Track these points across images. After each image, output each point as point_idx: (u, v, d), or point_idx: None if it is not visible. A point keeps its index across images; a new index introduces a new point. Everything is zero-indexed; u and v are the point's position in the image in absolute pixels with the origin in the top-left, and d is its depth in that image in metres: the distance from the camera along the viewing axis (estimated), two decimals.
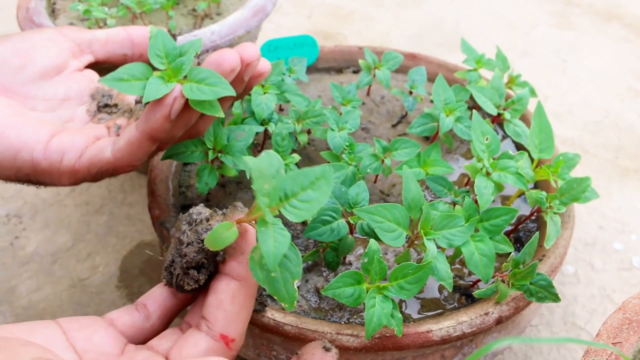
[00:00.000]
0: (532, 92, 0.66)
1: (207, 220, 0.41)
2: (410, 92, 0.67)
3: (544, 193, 0.54)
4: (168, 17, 0.73)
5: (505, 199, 0.63)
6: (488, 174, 0.53)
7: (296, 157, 0.58)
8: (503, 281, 0.50)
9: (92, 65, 0.53)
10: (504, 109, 0.63)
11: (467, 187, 0.60)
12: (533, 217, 0.60)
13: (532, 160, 0.56)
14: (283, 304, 0.38)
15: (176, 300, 0.43)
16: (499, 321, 0.50)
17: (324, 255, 0.52)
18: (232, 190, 0.61)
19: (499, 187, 0.54)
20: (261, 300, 0.49)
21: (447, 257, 0.50)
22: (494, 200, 0.61)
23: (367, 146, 0.59)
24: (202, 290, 0.42)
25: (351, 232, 0.51)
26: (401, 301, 0.53)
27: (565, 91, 1.02)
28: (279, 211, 0.37)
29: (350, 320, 0.52)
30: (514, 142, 0.69)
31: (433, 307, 0.54)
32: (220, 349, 0.39)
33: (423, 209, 0.48)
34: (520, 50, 1.11)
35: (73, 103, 0.51)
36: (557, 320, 0.70)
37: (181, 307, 0.43)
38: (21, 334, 0.37)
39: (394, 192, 0.62)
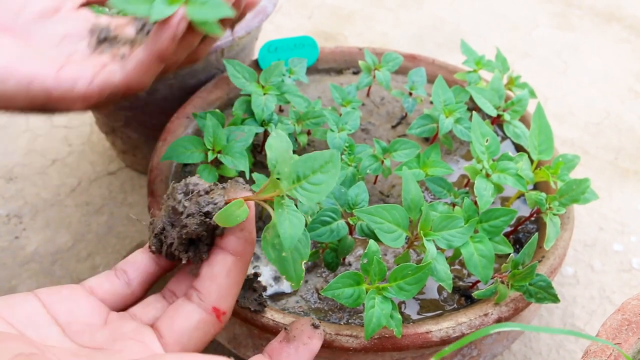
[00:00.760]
0: (532, 94, 0.66)
1: (207, 192, 0.40)
2: (410, 93, 0.67)
3: (543, 194, 0.54)
4: None
5: (504, 200, 0.63)
6: (488, 175, 0.53)
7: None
8: (502, 282, 0.50)
9: (84, 4, 0.56)
10: (504, 110, 0.63)
11: (467, 188, 0.60)
12: (532, 218, 0.60)
13: (531, 161, 0.56)
14: (290, 282, 0.39)
15: (157, 266, 0.43)
16: (499, 322, 0.50)
17: (324, 256, 0.52)
18: None
19: (498, 188, 0.54)
20: (260, 301, 0.49)
21: (446, 258, 0.50)
22: (493, 202, 0.61)
23: (367, 147, 0.59)
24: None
25: (351, 233, 0.51)
26: (401, 302, 0.53)
27: (565, 92, 1.02)
28: (290, 193, 0.38)
29: (350, 321, 0.52)
30: (513, 143, 0.69)
31: (432, 308, 0.54)
32: (212, 322, 0.39)
33: (422, 210, 0.48)
34: (521, 51, 1.11)
35: (73, 39, 0.53)
36: (556, 322, 0.70)
37: (162, 274, 0.43)
38: (1, 311, 0.37)
39: (393, 193, 0.62)
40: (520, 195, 0.60)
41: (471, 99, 0.64)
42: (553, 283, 0.49)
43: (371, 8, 1.21)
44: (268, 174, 0.58)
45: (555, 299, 0.49)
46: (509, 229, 0.60)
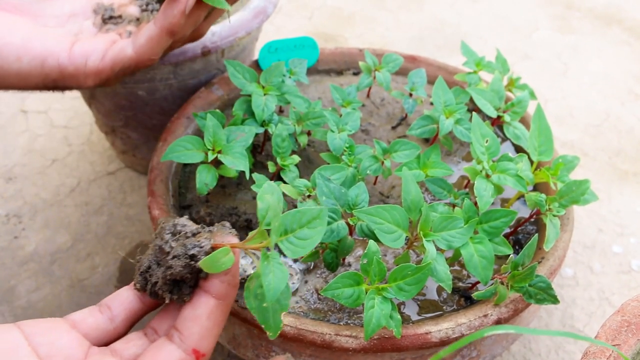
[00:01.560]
0: (532, 95, 0.66)
1: (194, 235, 0.41)
2: (410, 94, 0.67)
3: (543, 195, 0.54)
4: None
5: (504, 202, 0.63)
6: (488, 176, 0.53)
7: (296, 158, 0.58)
8: (502, 283, 0.50)
9: None
10: (504, 112, 0.63)
11: (467, 189, 0.60)
12: (532, 220, 0.60)
13: (531, 162, 0.56)
14: (268, 332, 0.40)
15: (142, 304, 0.43)
16: (498, 323, 0.50)
17: (323, 256, 0.52)
18: (231, 191, 0.61)
19: (498, 189, 0.54)
20: None
21: (446, 259, 0.50)
22: (493, 203, 0.61)
23: (367, 148, 0.59)
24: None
25: (350, 233, 0.51)
26: (400, 303, 0.53)
27: (565, 94, 1.02)
28: (277, 245, 0.39)
29: (349, 322, 0.52)
30: (513, 144, 0.69)
31: (432, 309, 0.54)
32: None
33: (422, 211, 0.48)
34: (521, 53, 1.11)
35: (79, 18, 0.56)
36: (555, 323, 0.70)
37: (146, 312, 0.43)
38: None
39: (393, 193, 0.62)
40: (520, 197, 0.60)
41: (471, 100, 0.64)
42: (552, 284, 0.49)
43: (372, 9, 1.22)
44: (268, 175, 0.58)
45: (555, 300, 0.49)
46: (508, 230, 0.60)
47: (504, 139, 0.69)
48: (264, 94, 0.60)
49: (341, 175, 0.55)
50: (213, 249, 0.40)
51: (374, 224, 0.47)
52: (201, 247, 0.39)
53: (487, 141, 0.54)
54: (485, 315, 0.50)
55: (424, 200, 0.49)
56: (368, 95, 0.72)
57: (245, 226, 0.59)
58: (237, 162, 0.54)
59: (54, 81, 0.50)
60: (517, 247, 0.59)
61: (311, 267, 0.56)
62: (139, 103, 0.72)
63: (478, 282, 0.54)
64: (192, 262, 0.39)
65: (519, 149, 0.68)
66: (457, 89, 0.64)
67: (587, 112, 0.99)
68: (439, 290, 0.55)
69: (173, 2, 0.49)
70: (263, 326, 0.39)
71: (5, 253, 0.76)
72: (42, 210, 0.81)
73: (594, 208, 0.82)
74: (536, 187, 0.62)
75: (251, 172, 0.56)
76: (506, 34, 1.15)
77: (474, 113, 0.56)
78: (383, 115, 0.70)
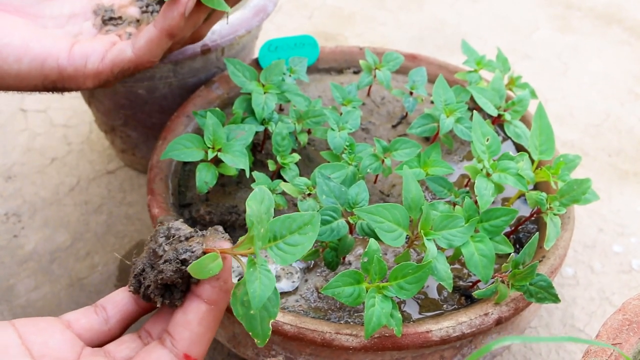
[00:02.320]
0: (533, 94, 0.66)
1: (187, 239, 0.40)
2: (411, 93, 0.66)
3: (544, 194, 0.54)
4: None
5: (505, 201, 0.62)
6: (488, 174, 0.53)
7: (296, 156, 0.58)
8: (503, 282, 0.50)
9: None
10: (505, 110, 0.63)
11: (467, 188, 0.60)
12: (533, 218, 0.60)
13: (532, 161, 0.56)
14: (256, 340, 0.39)
15: (137, 306, 0.43)
16: (499, 322, 0.50)
17: (324, 254, 0.52)
18: (231, 189, 0.61)
19: (499, 188, 0.53)
20: None
21: (447, 258, 0.49)
22: (494, 201, 0.61)
23: (367, 146, 0.59)
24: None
25: (351, 232, 0.51)
26: (401, 301, 0.53)
27: (566, 94, 1.02)
28: (266, 252, 0.38)
29: (349, 320, 0.52)
30: (514, 144, 0.68)
31: (433, 308, 0.53)
32: None
33: (423, 209, 0.48)
34: (522, 53, 1.11)
35: (79, 19, 0.55)
36: (556, 322, 0.70)
37: (141, 314, 0.43)
38: None
39: (393, 192, 0.62)
40: (521, 195, 0.60)
41: (472, 98, 0.64)
42: (553, 283, 0.49)
43: (372, 9, 1.21)
44: (268, 173, 0.58)
45: (555, 299, 0.49)
46: (509, 229, 0.59)
47: (505, 137, 0.69)
48: (264, 93, 0.60)
49: (341, 174, 0.55)
50: (205, 253, 0.39)
51: (374, 222, 0.47)
52: (193, 252, 0.39)
53: (487, 140, 0.54)
54: (486, 314, 0.50)
55: (424, 198, 0.49)
56: (368, 94, 0.71)
57: (245, 224, 0.59)
58: (237, 161, 0.54)
59: (54, 82, 0.50)
60: (517, 246, 0.58)
61: (311, 266, 0.56)
62: (138, 102, 0.72)
63: (479, 281, 0.54)
64: (183, 267, 0.39)
65: (519, 148, 0.68)
66: (457, 88, 0.64)
67: (587, 111, 0.99)
68: (440, 289, 0.55)
69: (172, 4, 0.48)
70: (250, 333, 0.39)
71: (4, 252, 0.76)
72: (41, 209, 0.81)
73: (595, 208, 0.82)
74: (537, 186, 0.62)
75: (251, 170, 0.56)
76: (506, 34, 1.15)
77: (474, 112, 0.56)
78: (383, 114, 0.70)
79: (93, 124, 0.92)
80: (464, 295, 0.54)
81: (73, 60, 0.50)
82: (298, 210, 0.54)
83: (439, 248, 0.49)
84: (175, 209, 0.58)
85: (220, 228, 0.41)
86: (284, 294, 0.53)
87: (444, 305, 0.53)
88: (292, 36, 0.70)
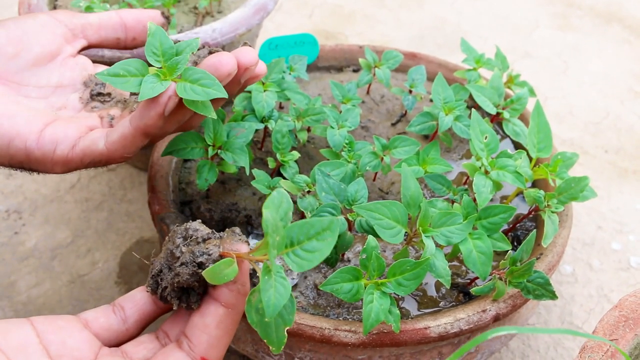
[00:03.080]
0: (531, 92, 0.66)
1: (204, 241, 0.40)
2: (410, 91, 0.67)
3: (542, 192, 0.54)
4: (169, 14, 0.73)
5: (504, 199, 0.63)
6: (487, 172, 0.54)
7: (296, 154, 0.58)
8: (500, 279, 0.50)
9: (84, 49, 0.54)
10: (503, 108, 0.63)
11: (466, 185, 0.60)
12: (531, 216, 0.60)
13: (530, 159, 0.56)
14: (271, 347, 0.38)
15: (155, 307, 0.42)
16: (496, 318, 0.50)
17: None
18: (231, 187, 0.61)
19: (497, 185, 0.54)
20: None
21: (445, 255, 0.50)
22: (492, 199, 0.61)
23: (367, 144, 0.59)
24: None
25: (350, 229, 0.51)
26: (399, 299, 0.54)
27: (566, 92, 1.02)
28: (282, 258, 0.37)
29: (348, 317, 0.52)
30: (512, 142, 0.69)
31: (431, 305, 0.54)
32: None
33: (422, 207, 0.48)
34: (522, 51, 1.11)
35: (66, 90, 0.52)
36: (554, 320, 0.70)
37: (159, 314, 0.43)
38: None
39: (392, 190, 0.62)
40: (519, 193, 0.60)
41: (471, 97, 0.64)
42: (551, 281, 0.50)
43: (372, 8, 1.22)
44: (268, 171, 0.58)
45: (553, 295, 0.49)
46: (507, 227, 0.60)
47: (504, 136, 0.69)
48: (264, 90, 0.61)
49: (341, 171, 0.55)
50: (221, 256, 0.39)
51: (373, 219, 0.47)
52: (209, 255, 0.39)
53: (486, 137, 0.54)
54: (483, 311, 0.50)
55: (423, 196, 0.49)
56: (368, 92, 0.72)
57: (245, 222, 0.59)
58: (237, 158, 0.55)
59: (20, 163, 0.47)
60: (515, 244, 0.59)
61: None
62: None
63: (477, 278, 0.55)
64: (200, 270, 0.39)
65: (518, 147, 0.68)
66: (456, 86, 0.64)
67: (587, 110, 0.99)
68: (438, 286, 0.55)
69: (151, 102, 0.44)
70: (265, 340, 0.38)
71: (5, 249, 0.76)
72: (42, 206, 0.82)
73: (594, 205, 0.83)
74: (535, 184, 0.62)
75: (251, 168, 0.56)
76: (506, 33, 1.15)
77: (473, 110, 0.56)
78: (383, 112, 0.70)
79: None
80: (462, 293, 0.55)
81: (42, 144, 0.46)
82: (297, 207, 0.55)
83: (437, 245, 0.49)
84: (175, 206, 0.58)
85: (237, 230, 0.41)
86: None
87: (442, 302, 0.54)
88: (292, 34, 0.70)
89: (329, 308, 0.53)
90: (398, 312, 0.47)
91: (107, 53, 0.63)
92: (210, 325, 0.39)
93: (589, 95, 1.02)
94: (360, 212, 0.47)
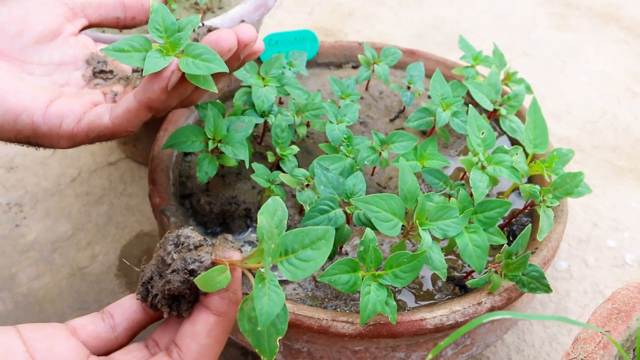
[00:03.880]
0: (528, 89, 0.67)
1: (196, 248, 0.39)
2: (408, 87, 0.67)
3: (537, 187, 0.55)
4: (171, 10, 0.74)
5: (500, 194, 0.63)
6: (483, 167, 0.54)
7: (295, 148, 0.59)
8: (496, 272, 0.51)
9: (85, 28, 0.55)
10: (500, 105, 0.64)
11: (463, 180, 0.61)
12: (527, 211, 0.61)
13: (526, 155, 0.57)
14: (262, 357, 0.38)
15: (145, 315, 0.42)
16: (491, 311, 0.51)
17: None
18: (231, 180, 0.62)
19: (493, 180, 0.54)
20: None
21: (441, 249, 0.50)
22: (489, 195, 0.62)
23: (365, 139, 0.60)
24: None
25: (348, 222, 0.52)
26: (396, 291, 0.54)
27: (563, 91, 1.03)
28: (277, 266, 0.37)
29: (345, 309, 0.53)
30: (509, 138, 0.69)
31: (428, 298, 0.54)
32: None
33: (418, 200, 0.49)
34: (520, 50, 1.12)
35: (69, 68, 0.53)
36: (549, 314, 0.71)
37: (149, 322, 0.42)
38: None
39: (390, 184, 0.63)
40: (515, 189, 0.61)
41: (468, 93, 0.65)
42: (547, 276, 0.50)
43: (372, 6, 1.22)
44: (267, 165, 0.59)
45: (547, 288, 0.50)
46: (503, 222, 0.60)
47: (501, 132, 0.70)
48: (264, 86, 0.61)
49: (339, 165, 0.56)
50: (213, 264, 0.38)
51: (370, 212, 0.48)
52: (201, 262, 0.38)
53: (482, 133, 0.55)
54: (479, 303, 0.51)
55: (420, 190, 0.50)
56: (367, 88, 0.72)
57: (244, 215, 0.60)
58: (237, 152, 0.55)
59: (27, 137, 0.48)
60: (511, 239, 0.59)
61: None
62: None
63: (473, 271, 0.55)
64: (191, 278, 0.38)
65: (514, 143, 0.69)
66: (454, 83, 0.65)
67: (585, 109, 1.00)
68: (435, 279, 0.56)
69: (155, 77, 0.45)
70: (257, 350, 0.38)
71: (6, 241, 0.77)
72: (43, 200, 0.82)
73: (590, 203, 0.83)
74: (531, 179, 0.63)
75: (251, 161, 0.57)
76: (505, 32, 1.16)
77: (470, 106, 0.57)
78: (381, 108, 0.71)
79: None
80: (458, 286, 0.55)
81: (48, 119, 0.47)
82: (296, 200, 0.55)
83: (433, 238, 0.50)
84: (175, 199, 0.59)
85: (230, 237, 0.40)
86: (282, 282, 0.55)
87: (439, 295, 0.55)
88: (292, 31, 0.71)
89: (326, 300, 0.53)
90: (394, 303, 0.48)
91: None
92: (200, 333, 0.38)
93: (586, 94, 1.02)
94: (358, 204, 0.48)
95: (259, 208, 0.59)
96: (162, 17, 0.47)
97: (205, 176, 0.56)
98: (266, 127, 0.65)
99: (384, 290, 0.47)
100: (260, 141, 0.65)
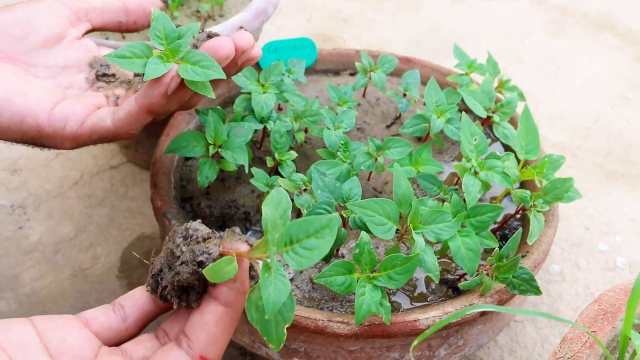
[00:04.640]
0: (521, 96, 0.68)
1: (204, 240, 0.40)
2: (404, 95, 0.69)
3: (528, 192, 0.56)
4: (172, 17, 0.75)
5: (493, 199, 0.65)
6: (476, 173, 0.56)
7: (293, 154, 0.60)
8: (488, 274, 0.52)
9: (88, 32, 0.57)
10: (494, 112, 0.65)
11: (456, 185, 0.63)
12: (518, 216, 0.62)
13: (518, 161, 0.58)
14: (270, 345, 0.39)
15: (155, 306, 0.43)
16: (484, 313, 0.53)
17: None
18: (231, 184, 0.64)
19: (486, 185, 0.56)
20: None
21: (435, 252, 0.52)
22: (482, 200, 0.64)
23: (362, 145, 0.61)
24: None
25: (344, 226, 0.53)
26: (391, 293, 0.56)
27: (557, 97, 1.05)
28: (281, 255, 0.38)
29: (341, 310, 0.54)
30: (503, 145, 0.71)
31: (421, 300, 0.56)
32: None
33: (412, 204, 0.50)
34: (515, 56, 1.13)
35: (72, 71, 0.54)
36: (542, 318, 0.72)
37: (159, 313, 0.43)
38: None
39: (386, 189, 0.64)
40: (508, 194, 0.62)
41: (463, 100, 0.67)
42: (538, 279, 0.52)
43: (370, 12, 1.24)
44: (266, 170, 0.60)
45: (537, 291, 0.52)
46: (495, 226, 0.62)
47: (494, 139, 0.71)
48: (264, 92, 0.63)
49: (336, 171, 0.57)
50: (221, 255, 0.39)
51: (366, 216, 0.49)
52: (209, 254, 0.39)
53: (475, 139, 0.57)
54: (471, 305, 0.52)
55: (414, 195, 0.51)
56: (364, 95, 0.74)
57: (243, 218, 0.62)
58: (237, 157, 0.57)
59: (32, 139, 0.49)
60: (503, 242, 0.61)
61: None
62: None
63: (465, 274, 0.57)
64: (200, 269, 0.39)
65: (507, 149, 0.70)
66: (449, 90, 0.66)
67: (578, 114, 1.01)
68: (428, 281, 0.57)
69: (155, 82, 0.47)
70: (265, 338, 0.39)
71: (10, 242, 0.79)
72: (46, 202, 0.84)
73: (582, 207, 0.85)
74: (523, 185, 0.65)
75: (250, 166, 0.58)
76: (501, 38, 1.18)
77: (463, 113, 0.58)
78: (378, 114, 0.72)
79: None
80: (452, 288, 0.57)
81: (52, 121, 0.48)
82: (294, 205, 0.57)
83: (427, 241, 0.51)
84: (176, 202, 0.61)
85: (237, 229, 0.41)
86: None
87: (432, 297, 0.56)
88: (291, 38, 0.72)
89: (323, 301, 0.55)
90: (389, 304, 0.49)
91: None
92: (209, 323, 0.39)
93: (580, 100, 1.04)
94: (354, 209, 0.49)
95: (258, 211, 0.61)
96: (163, 24, 0.49)
97: (205, 180, 0.57)
98: (265, 133, 0.67)
99: (379, 291, 0.48)
100: (259, 146, 0.67)
